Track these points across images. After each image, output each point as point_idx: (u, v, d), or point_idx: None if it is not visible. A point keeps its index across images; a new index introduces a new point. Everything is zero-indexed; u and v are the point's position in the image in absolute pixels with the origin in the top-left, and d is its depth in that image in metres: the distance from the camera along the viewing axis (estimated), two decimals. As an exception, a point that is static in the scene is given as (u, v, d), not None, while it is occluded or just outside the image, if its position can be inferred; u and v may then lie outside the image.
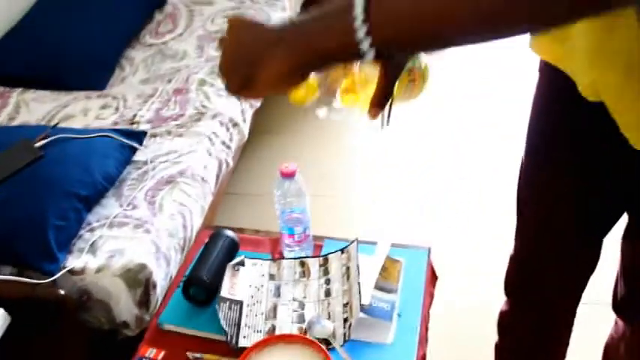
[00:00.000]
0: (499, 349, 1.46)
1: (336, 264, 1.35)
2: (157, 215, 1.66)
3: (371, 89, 0.85)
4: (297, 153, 2.80)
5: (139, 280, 1.52)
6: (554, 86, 1.05)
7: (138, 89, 2.25)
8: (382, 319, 1.23)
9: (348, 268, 1.32)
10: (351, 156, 2.80)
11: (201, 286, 1.28)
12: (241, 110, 2.17)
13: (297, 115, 3.01)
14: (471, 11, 0.58)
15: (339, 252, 1.37)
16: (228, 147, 2.03)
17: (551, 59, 0.99)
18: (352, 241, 1.34)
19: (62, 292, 1.43)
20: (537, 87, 1.13)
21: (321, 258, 1.38)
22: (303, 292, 1.32)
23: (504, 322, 1.42)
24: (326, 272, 1.35)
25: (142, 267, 1.53)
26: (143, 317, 1.54)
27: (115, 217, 1.65)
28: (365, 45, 0.62)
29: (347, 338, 1.19)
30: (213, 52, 2.44)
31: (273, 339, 1.09)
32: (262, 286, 1.33)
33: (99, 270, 1.52)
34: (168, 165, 1.83)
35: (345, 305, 1.26)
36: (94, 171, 1.65)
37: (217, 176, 1.93)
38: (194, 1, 2.84)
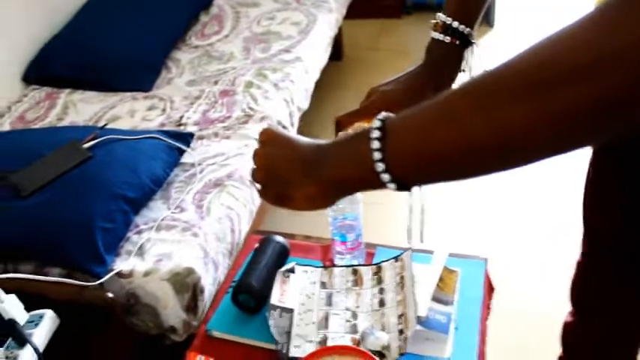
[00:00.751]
0: None
1: (390, 273, 1.30)
2: (205, 219, 1.63)
3: None
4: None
5: (186, 285, 1.49)
6: None
7: (184, 91, 2.23)
8: (439, 332, 1.18)
9: (402, 278, 1.27)
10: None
11: (250, 292, 1.24)
12: (289, 113, 2.13)
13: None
14: (489, 139, 0.53)
15: (393, 260, 1.32)
16: (276, 150, 1.99)
17: None
18: (406, 249, 1.29)
19: (110, 295, 1.41)
20: None
21: (374, 266, 1.33)
22: (356, 302, 1.27)
23: (569, 334, 1.35)
24: (379, 281, 1.30)
25: (190, 271, 1.50)
26: (191, 323, 1.51)
27: (162, 220, 1.63)
28: (386, 179, 0.61)
29: (402, 351, 1.13)
30: (260, 54, 2.41)
31: (326, 350, 1.05)
32: (313, 294, 1.28)
33: (147, 274, 1.49)
34: (216, 168, 1.80)
35: (400, 316, 1.21)
36: (141, 173, 1.63)
37: (264, 180, 1.89)
38: (240, 2, 2.82)
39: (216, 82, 2.25)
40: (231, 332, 1.20)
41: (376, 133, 0.60)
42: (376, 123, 0.61)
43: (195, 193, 1.71)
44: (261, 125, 1.98)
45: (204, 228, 1.61)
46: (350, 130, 0.95)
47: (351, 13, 3.07)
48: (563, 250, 2.19)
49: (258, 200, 1.84)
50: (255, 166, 0.75)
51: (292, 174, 0.70)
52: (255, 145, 0.78)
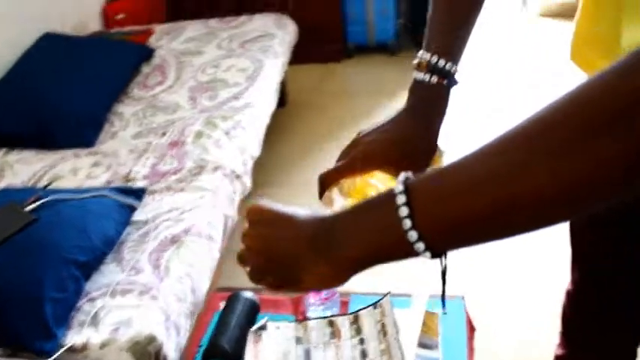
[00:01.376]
0: None
1: (368, 320, 1.22)
2: (164, 279, 1.51)
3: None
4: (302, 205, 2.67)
5: (148, 354, 1.36)
6: None
7: (130, 144, 2.12)
8: None
9: (383, 325, 1.20)
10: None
11: (223, 356, 1.13)
12: (243, 161, 2.04)
13: (300, 167, 2.90)
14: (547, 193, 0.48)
15: (371, 307, 1.24)
16: (233, 201, 1.90)
17: None
18: (385, 295, 1.23)
19: (63, 373, 1.27)
20: None
21: (350, 315, 1.25)
22: (336, 356, 1.18)
23: None
24: (358, 331, 1.22)
25: (151, 339, 1.37)
26: (155, 395, 1.38)
27: (117, 285, 1.50)
28: (420, 248, 0.55)
29: None
30: (208, 103, 2.34)
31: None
32: (290, 352, 1.19)
33: (103, 345, 1.36)
34: (171, 223, 1.69)
35: None
36: (91, 234, 1.51)
37: (223, 233, 1.79)
38: (182, 51, 2.76)
39: (164, 134, 2.15)
40: None
41: (402, 199, 0.54)
42: (399, 187, 0.55)
43: (150, 252, 1.59)
44: (215, 176, 1.89)
45: (164, 289, 1.49)
46: (335, 189, 0.86)
47: (294, 59, 3.05)
48: (544, 284, 2.17)
49: (217, 255, 1.73)
50: (246, 250, 0.68)
51: (298, 256, 0.63)
52: (243, 225, 0.69)
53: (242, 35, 2.86)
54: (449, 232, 0.55)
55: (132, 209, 1.68)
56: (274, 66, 2.64)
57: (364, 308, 1.24)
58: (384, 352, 1.14)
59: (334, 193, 0.87)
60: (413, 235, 0.54)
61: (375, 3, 3.79)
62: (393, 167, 0.81)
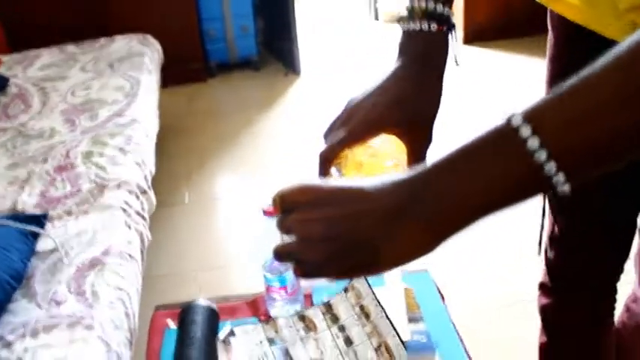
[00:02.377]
0: (546, 349, 1.29)
1: (344, 306, 1.13)
2: (94, 306, 1.29)
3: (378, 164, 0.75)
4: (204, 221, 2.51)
5: (95, 394, 1.15)
6: (570, 37, 0.97)
7: (7, 176, 1.84)
8: (426, 354, 1.04)
9: (362, 307, 1.10)
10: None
11: None
12: (144, 176, 1.85)
13: (187, 186, 2.74)
14: None
15: (342, 292, 1.14)
16: (144, 218, 1.70)
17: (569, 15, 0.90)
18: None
19: None
20: (554, 45, 1.04)
21: (321, 306, 1.14)
22: (317, 349, 1.07)
23: (548, 316, 1.26)
24: (334, 320, 1.12)
25: (97, 374, 1.16)
26: None
27: (36, 322, 1.25)
28: (559, 180, 0.49)
29: None
30: (88, 123, 2.10)
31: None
32: (266, 354, 1.06)
33: (39, 393, 1.12)
34: (84, 247, 1.46)
35: (377, 349, 1.03)
36: (-4, 268, 1.26)
37: (142, 252, 1.59)
38: (42, 78, 2.50)
39: (45, 160, 1.89)
40: None
41: (527, 131, 0.49)
42: (517, 120, 0.49)
43: (68, 281, 1.36)
44: (120, 192, 1.68)
45: (98, 317, 1.26)
46: (344, 162, 0.76)
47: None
48: (503, 256, 2.21)
49: (140, 277, 1.53)
50: (302, 239, 0.57)
51: (383, 230, 0.54)
52: (281, 215, 0.59)
53: (107, 56, 2.66)
54: (585, 159, 0.49)
55: (35, 237, 1.43)
56: (151, 82, 2.47)
57: (334, 295, 1.14)
58: (371, 334, 1.05)
59: (339, 169, 0.77)
60: (551, 167, 0.48)
61: (233, 20, 3.71)
62: (399, 130, 0.74)
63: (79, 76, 2.48)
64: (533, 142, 0.48)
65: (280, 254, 0.60)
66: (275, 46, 3.97)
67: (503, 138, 0.50)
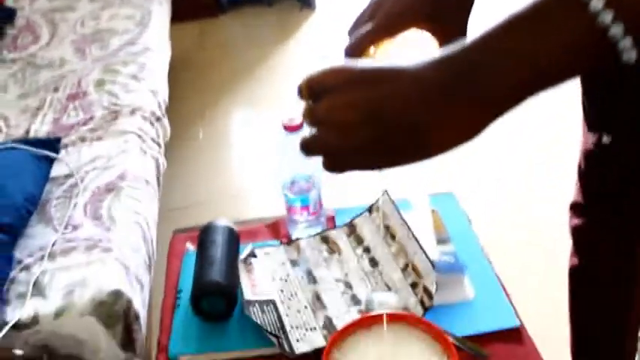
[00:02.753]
0: (577, 271, 1.25)
1: (368, 228, 1.07)
2: (112, 229, 1.26)
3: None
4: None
5: (116, 315, 1.11)
6: None
7: (19, 105, 1.79)
8: (455, 274, 0.98)
9: (388, 227, 1.05)
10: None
11: (218, 293, 0.94)
12: (158, 104, 1.80)
13: (200, 124, 2.67)
14: None
15: (367, 213, 1.09)
16: (159, 145, 1.66)
17: None
18: (382, 195, 1.08)
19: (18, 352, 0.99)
20: None
21: (344, 227, 1.09)
22: (342, 270, 1.02)
23: (581, 236, 1.21)
24: (359, 241, 1.07)
25: (117, 295, 1.12)
26: (133, 362, 1.14)
27: (54, 245, 1.22)
28: (626, 44, 0.43)
29: (429, 306, 0.91)
30: (99, 52, 2.04)
31: (364, 321, 0.78)
32: (289, 275, 1.02)
33: (58, 313, 1.09)
34: (99, 172, 1.42)
35: (404, 269, 0.98)
36: (12, 191, 1.22)
37: (158, 179, 1.55)
38: (50, 9, 2.41)
39: (56, 89, 1.84)
40: (204, 350, 0.90)
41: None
42: None
43: (84, 205, 1.32)
44: (134, 119, 1.63)
45: (116, 239, 1.23)
46: (372, 54, 0.70)
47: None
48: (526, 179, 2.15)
49: (156, 203, 1.49)
50: (335, 127, 0.51)
51: (426, 111, 0.49)
52: (310, 101, 0.53)
53: (116, -14, 2.57)
54: None
55: (50, 162, 1.39)
56: (162, 12, 2.39)
57: (358, 216, 1.09)
58: (397, 255, 1.00)
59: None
60: (617, 30, 0.42)
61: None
62: (431, 24, 0.68)
63: (87, 6, 2.40)
64: (597, 3, 0.42)
65: (308, 145, 0.54)
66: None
67: (557, 1, 0.44)
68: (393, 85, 0.49)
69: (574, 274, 1.25)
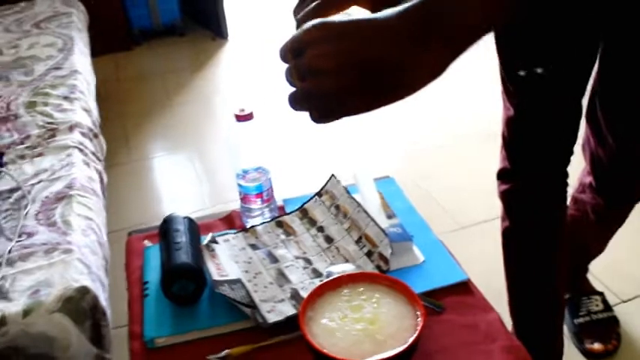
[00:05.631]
0: (509, 232, 1.38)
1: (319, 209, 1.17)
2: (69, 233, 1.27)
3: None
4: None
5: (83, 311, 1.13)
6: None
7: (-55, 132, 1.76)
8: (404, 241, 1.08)
9: (338, 207, 1.15)
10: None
11: (189, 275, 1.00)
12: (93, 122, 1.81)
13: (129, 148, 2.68)
14: None
15: (316, 197, 1.18)
16: (100, 160, 1.67)
17: None
18: (329, 179, 1.18)
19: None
20: None
21: (296, 212, 1.18)
22: (300, 249, 1.10)
23: (510, 200, 1.34)
24: (312, 222, 1.16)
25: (84, 291, 1.14)
26: (105, 357, 1.15)
27: (10, 253, 1.22)
28: None
29: (385, 269, 1.01)
30: (25, 78, 2.03)
31: (343, 279, 0.88)
32: (251, 258, 1.08)
33: (27, 312, 1.09)
34: (46, 184, 1.42)
35: (357, 241, 1.07)
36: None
37: (103, 192, 1.57)
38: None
39: (-17, 115, 1.82)
40: (180, 331, 0.95)
41: None
42: None
43: (36, 214, 1.33)
44: (73, 135, 1.64)
45: (75, 242, 1.25)
46: None
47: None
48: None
49: (104, 212, 1.50)
50: (320, 77, 0.56)
51: (400, 55, 0.54)
52: (293, 57, 0.57)
53: (31, 17, 2.56)
54: None
55: (-6, 176, 1.39)
56: (83, 39, 2.40)
57: (307, 202, 1.17)
58: (350, 229, 1.09)
59: None
60: None
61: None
62: (369, 3, 0.74)
63: (5, 36, 2.38)
64: None
65: (296, 98, 0.59)
66: (199, 10, 3.91)
67: None
68: (370, 32, 0.55)
69: (505, 236, 1.38)
